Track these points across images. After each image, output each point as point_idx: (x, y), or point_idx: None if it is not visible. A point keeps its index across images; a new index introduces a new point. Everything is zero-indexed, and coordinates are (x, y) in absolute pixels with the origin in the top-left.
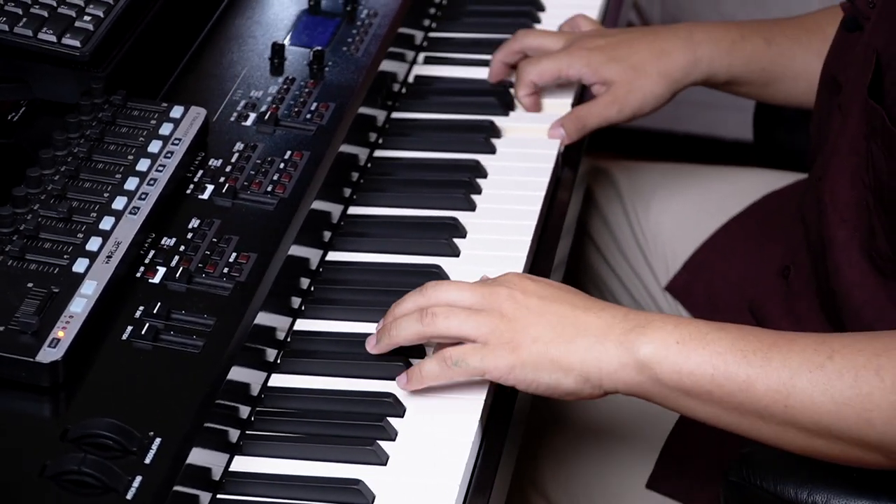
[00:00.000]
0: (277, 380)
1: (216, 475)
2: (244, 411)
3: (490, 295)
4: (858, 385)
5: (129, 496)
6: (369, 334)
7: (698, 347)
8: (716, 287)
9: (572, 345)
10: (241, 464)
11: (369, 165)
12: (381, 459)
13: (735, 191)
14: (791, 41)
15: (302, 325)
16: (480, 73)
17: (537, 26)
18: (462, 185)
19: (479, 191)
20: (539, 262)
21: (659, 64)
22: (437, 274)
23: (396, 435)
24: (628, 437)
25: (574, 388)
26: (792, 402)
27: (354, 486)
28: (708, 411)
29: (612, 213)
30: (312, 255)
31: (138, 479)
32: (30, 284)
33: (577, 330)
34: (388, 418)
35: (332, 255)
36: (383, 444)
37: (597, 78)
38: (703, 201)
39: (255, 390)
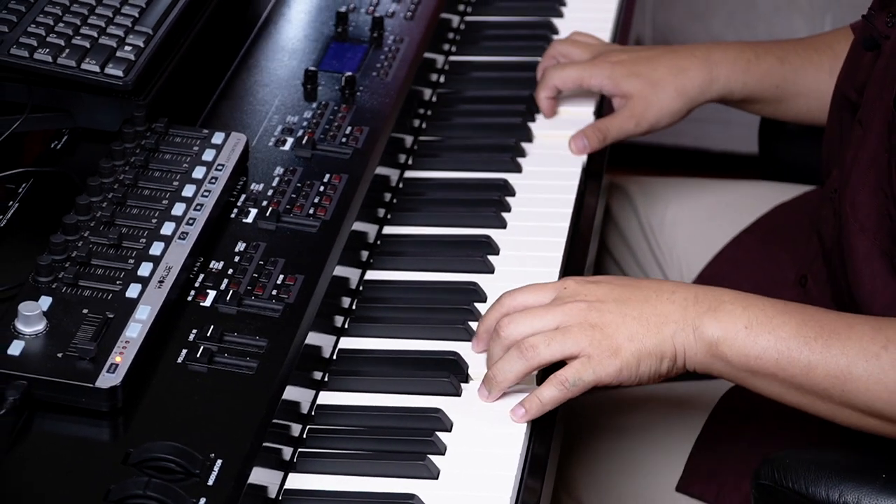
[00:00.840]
0: (326, 398)
1: (272, 493)
2: (295, 429)
3: (571, 310)
4: None
5: None
6: (412, 351)
7: (764, 332)
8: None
9: (661, 334)
10: (297, 481)
11: (401, 186)
12: (433, 473)
13: (744, 203)
14: (803, 60)
15: (346, 343)
16: (501, 92)
17: None
18: (492, 203)
19: (508, 209)
20: (569, 275)
21: (677, 81)
22: (475, 291)
23: (446, 449)
24: (658, 441)
25: (666, 371)
26: (849, 388)
27: (410, 500)
28: (771, 389)
29: (629, 226)
30: (353, 274)
31: (203, 501)
32: (85, 310)
33: (659, 319)
34: (437, 433)
35: (371, 274)
36: (434, 458)
37: (617, 90)
38: (714, 213)
39: (304, 408)
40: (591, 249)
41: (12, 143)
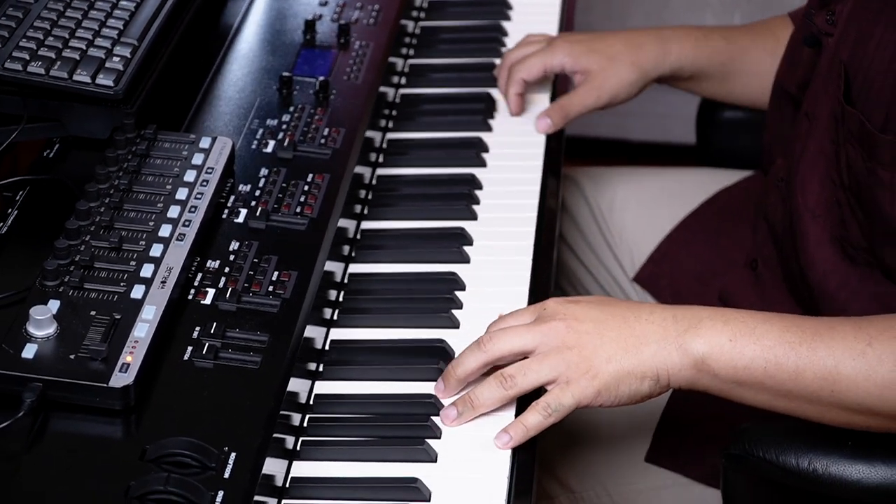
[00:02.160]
0: (322, 387)
1: (279, 482)
2: (296, 419)
3: (549, 332)
4: None
5: None
6: (401, 340)
7: (749, 343)
8: (679, 277)
9: (640, 355)
10: (302, 469)
11: (374, 183)
12: (431, 457)
13: (687, 188)
14: (748, 40)
15: (337, 333)
16: (459, 90)
17: (503, 50)
18: (462, 197)
19: (477, 201)
20: (540, 263)
21: (632, 55)
22: (454, 280)
23: (441, 433)
24: (627, 415)
25: (648, 392)
26: (838, 388)
27: (413, 484)
28: (758, 398)
29: (580, 214)
30: (337, 268)
31: (220, 493)
32: (92, 312)
33: (638, 340)
34: (433, 417)
35: (355, 268)
36: (431, 441)
37: (577, 66)
38: (659, 198)
39: (302, 398)
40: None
41: (5, 153)
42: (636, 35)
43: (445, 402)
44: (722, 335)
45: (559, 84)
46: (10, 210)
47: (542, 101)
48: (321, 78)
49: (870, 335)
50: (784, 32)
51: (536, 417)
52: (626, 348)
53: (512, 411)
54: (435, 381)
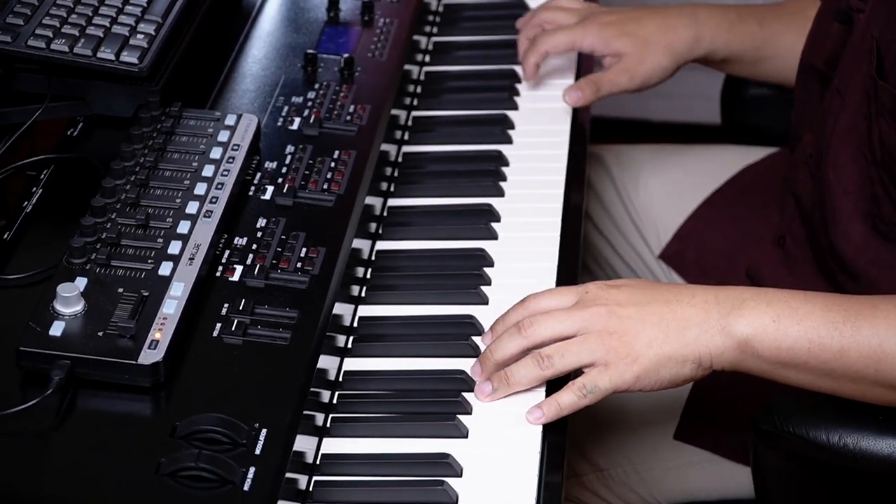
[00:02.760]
0: (351, 364)
1: (309, 458)
2: (325, 395)
3: (591, 317)
4: None
5: (245, 487)
6: (429, 316)
7: (793, 323)
8: (705, 254)
9: (682, 339)
10: (332, 446)
11: (400, 160)
12: (463, 433)
13: (713, 165)
14: (780, 23)
15: (365, 310)
16: (484, 68)
17: None
18: (489, 173)
19: (504, 178)
20: (568, 239)
21: (666, 38)
22: (483, 257)
23: (472, 409)
24: (655, 393)
25: (690, 375)
26: (883, 366)
27: (444, 460)
28: (802, 378)
29: (605, 192)
30: (365, 245)
31: (252, 469)
32: (120, 290)
33: (680, 323)
34: (463, 393)
35: (382, 245)
36: (462, 417)
37: (608, 50)
38: (685, 176)
39: (331, 375)
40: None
41: (28, 132)
42: (669, 16)
43: (478, 379)
44: (765, 316)
45: (584, 61)
46: (34, 189)
47: (567, 77)
48: (346, 55)
49: None
50: (814, 11)
51: (571, 397)
52: (668, 332)
53: (542, 389)
54: (465, 357)
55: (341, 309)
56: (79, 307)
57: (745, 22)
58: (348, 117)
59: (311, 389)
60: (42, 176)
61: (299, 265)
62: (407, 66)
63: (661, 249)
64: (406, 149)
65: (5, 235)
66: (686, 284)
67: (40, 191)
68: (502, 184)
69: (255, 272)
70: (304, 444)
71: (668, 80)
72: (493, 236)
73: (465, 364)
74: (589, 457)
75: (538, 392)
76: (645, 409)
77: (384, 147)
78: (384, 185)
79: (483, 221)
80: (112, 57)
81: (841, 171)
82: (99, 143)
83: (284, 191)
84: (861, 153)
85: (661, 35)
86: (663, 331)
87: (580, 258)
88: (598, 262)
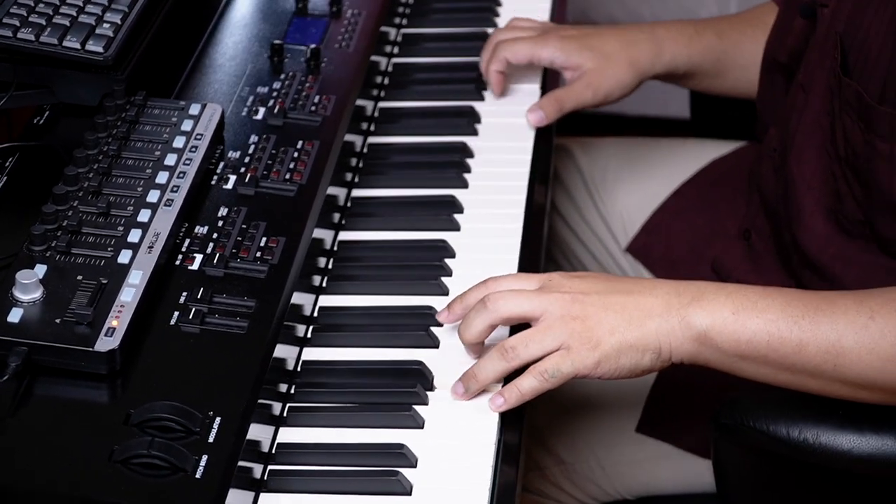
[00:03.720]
0: (310, 353)
1: (265, 447)
2: (283, 385)
3: (555, 302)
4: None
5: (197, 475)
6: (390, 307)
7: (752, 316)
8: (672, 247)
9: (643, 328)
10: (288, 435)
11: (366, 151)
12: (419, 423)
13: (681, 159)
14: (739, 34)
15: (326, 300)
16: (452, 59)
17: (497, 20)
18: (453, 165)
19: (468, 169)
20: (530, 231)
21: (628, 54)
22: (444, 248)
23: (429, 400)
24: (617, 386)
25: (649, 365)
26: (841, 362)
27: (399, 450)
28: (761, 372)
29: (573, 184)
30: (327, 235)
31: (205, 457)
32: (79, 277)
33: (642, 313)
34: (419, 385)
35: (344, 235)
36: (419, 408)
37: (568, 62)
38: (653, 169)
39: (290, 365)
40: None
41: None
42: (629, 32)
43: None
44: (724, 308)
45: (549, 75)
46: None
47: (532, 90)
48: (312, 46)
49: (871, 309)
50: (772, 18)
51: (532, 382)
52: (630, 321)
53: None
54: (423, 347)
55: (302, 299)
56: (37, 294)
57: (704, 35)
58: (313, 108)
59: (269, 379)
60: (7, 164)
61: (259, 254)
62: (375, 58)
63: (628, 242)
64: (371, 140)
65: None
66: (648, 278)
67: (5, 178)
68: (467, 175)
69: (215, 261)
70: (260, 433)
71: None
72: (455, 227)
73: (423, 354)
74: (552, 450)
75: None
76: (608, 402)
77: (350, 138)
78: (349, 176)
79: (446, 213)
80: (78, 46)
81: (805, 167)
82: (65, 131)
83: (246, 180)
84: (825, 149)
85: (623, 50)
86: (625, 319)
87: (542, 251)
88: (566, 255)
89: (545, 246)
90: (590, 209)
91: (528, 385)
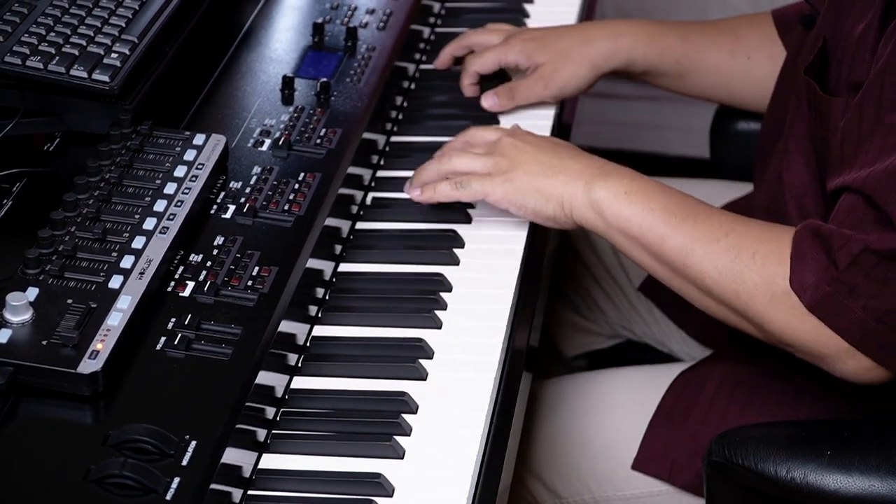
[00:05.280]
0: (299, 382)
1: (246, 472)
2: (270, 412)
3: (497, 143)
4: (736, 262)
5: (168, 497)
6: (381, 338)
7: (639, 201)
8: None
9: (553, 179)
10: (270, 461)
11: (373, 184)
12: (399, 454)
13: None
14: (705, 39)
15: (319, 331)
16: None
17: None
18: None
19: (473, 205)
20: (531, 265)
21: (582, 49)
22: (441, 281)
23: (411, 430)
24: (615, 423)
25: (552, 214)
26: (689, 263)
27: (376, 479)
28: (636, 253)
29: None
30: (326, 266)
31: (176, 480)
32: (69, 301)
33: (558, 169)
34: (403, 415)
35: (344, 267)
36: (400, 439)
37: (530, 63)
38: None
39: (279, 392)
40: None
41: (8, 146)
42: (588, 29)
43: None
44: (620, 187)
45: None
46: (4, 201)
47: (546, 116)
48: (323, 79)
49: (731, 228)
50: (750, 32)
51: (446, 187)
52: (545, 171)
53: (486, 392)
54: (410, 379)
55: (295, 328)
56: (27, 316)
57: (666, 35)
58: (318, 140)
59: (256, 405)
60: (14, 189)
61: (250, 283)
62: (391, 93)
63: (640, 281)
64: (381, 173)
65: None
66: (588, 153)
67: (10, 203)
68: (471, 210)
69: (206, 289)
70: (241, 458)
71: (661, 113)
72: (454, 262)
73: (409, 386)
74: (547, 483)
75: (477, 414)
76: (604, 437)
77: (358, 171)
78: (354, 209)
79: (445, 247)
80: (84, 75)
81: (792, 174)
82: (74, 158)
83: (245, 210)
84: (809, 155)
85: (578, 46)
86: (543, 169)
87: (540, 286)
88: (578, 291)
89: (547, 281)
90: (604, 246)
91: (442, 188)
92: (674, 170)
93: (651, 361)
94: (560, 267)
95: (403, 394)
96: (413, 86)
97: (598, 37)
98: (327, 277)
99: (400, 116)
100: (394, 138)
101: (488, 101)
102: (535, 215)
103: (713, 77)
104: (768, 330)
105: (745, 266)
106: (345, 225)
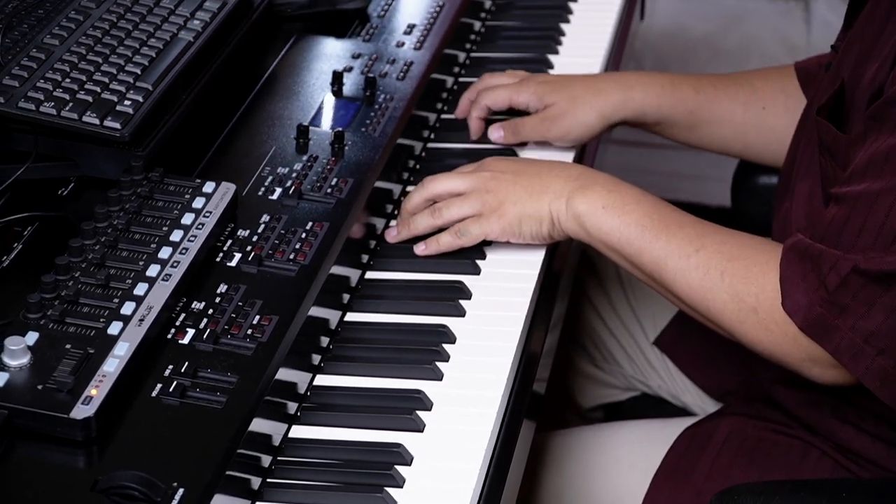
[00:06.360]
0: (297, 431)
1: None
2: (266, 460)
3: (477, 179)
4: (705, 280)
5: None
6: (380, 389)
7: (615, 215)
8: (700, 344)
9: (540, 201)
10: None
11: (383, 234)
12: None
13: None
14: (718, 90)
15: (321, 380)
16: (486, 146)
17: None
18: (468, 250)
19: (483, 256)
20: (537, 321)
21: (593, 98)
22: (444, 333)
23: (404, 482)
24: (620, 477)
25: (548, 233)
26: (664, 277)
27: None
28: (619, 262)
29: (607, 274)
30: (332, 315)
31: None
32: (68, 346)
33: (542, 189)
34: (397, 466)
35: (351, 316)
36: (391, 490)
37: (541, 104)
38: None
39: (276, 441)
40: (565, 294)
41: (23, 190)
42: (601, 81)
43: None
44: (598, 202)
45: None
46: (14, 244)
47: (565, 158)
48: (337, 129)
49: (703, 244)
50: (765, 84)
51: (448, 237)
52: (531, 195)
53: (480, 452)
54: (407, 431)
55: (296, 377)
56: (24, 360)
57: (679, 87)
58: (329, 190)
59: (251, 454)
60: (25, 232)
61: (249, 332)
62: (409, 142)
63: (656, 335)
64: (394, 222)
65: None
66: (563, 162)
67: (20, 246)
68: (480, 262)
69: (206, 336)
70: None
71: (682, 161)
72: (459, 313)
73: (405, 438)
74: None
75: (472, 472)
76: (609, 492)
77: (371, 220)
78: (365, 258)
79: (452, 298)
80: (96, 121)
81: (796, 209)
82: (87, 203)
83: (250, 258)
84: (813, 192)
85: (590, 95)
86: (528, 193)
87: (546, 338)
88: (594, 342)
89: (555, 333)
90: (621, 300)
91: (444, 239)
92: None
93: (666, 415)
94: (576, 317)
95: (399, 445)
96: (433, 135)
97: (609, 88)
98: (333, 326)
99: (418, 166)
100: (410, 188)
101: (494, 134)
102: (534, 238)
103: (727, 128)
104: (741, 342)
105: (714, 283)
106: (354, 274)
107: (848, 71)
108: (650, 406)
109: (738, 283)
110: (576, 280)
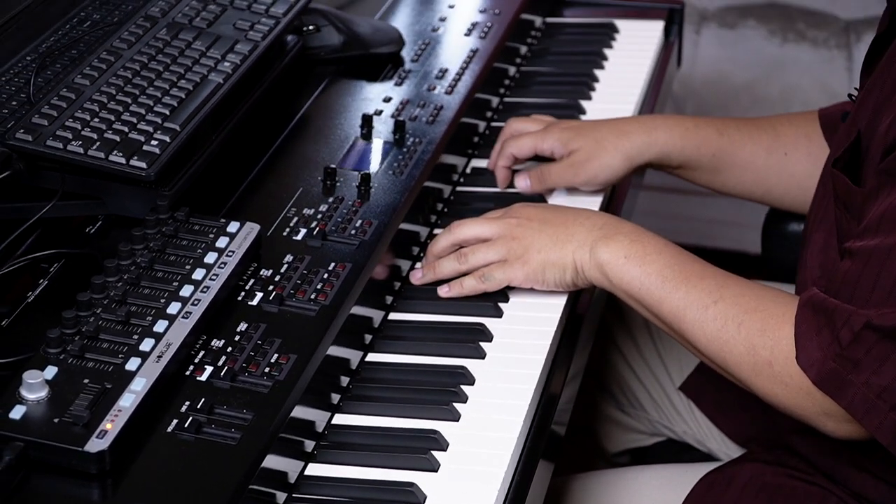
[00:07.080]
0: (313, 468)
1: None
2: (280, 497)
3: (504, 225)
4: (722, 332)
5: None
6: (394, 428)
7: (637, 265)
8: (725, 390)
9: (564, 250)
10: None
11: (407, 276)
12: None
13: None
14: (742, 134)
15: (339, 419)
16: (514, 191)
17: None
18: (491, 293)
19: (506, 299)
20: (558, 364)
21: (618, 141)
22: (463, 374)
23: None
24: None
25: (571, 281)
26: (683, 328)
27: None
28: (640, 311)
29: (634, 320)
30: (353, 355)
31: None
32: (86, 381)
33: (567, 238)
34: None
35: (372, 356)
36: None
37: (565, 150)
38: None
39: (291, 478)
40: (590, 339)
41: (51, 227)
42: (625, 124)
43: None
44: (620, 251)
45: (616, 192)
46: (41, 280)
47: (593, 203)
48: (364, 171)
49: (721, 295)
50: (789, 129)
51: (472, 281)
52: (555, 243)
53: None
54: (422, 470)
55: (314, 415)
56: (42, 394)
57: (702, 130)
58: (353, 231)
59: (266, 490)
60: (51, 269)
61: (267, 370)
62: (438, 185)
63: (682, 380)
64: (419, 265)
65: (3, 322)
66: (591, 210)
67: (45, 283)
68: (502, 305)
69: (223, 374)
70: None
71: (712, 208)
72: (480, 356)
73: (419, 477)
74: None
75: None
76: None
77: (396, 262)
78: (389, 299)
79: (472, 340)
80: (123, 161)
81: (812, 259)
82: (113, 240)
83: (271, 298)
84: (830, 242)
85: (614, 138)
86: (553, 242)
87: (566, 381)
88: (621, 387)
89: (577, 377)
90: (648, 346)
91: (468, 283)
92: (724, 265)
93: (690, 460)
94: (603, 363)
95: (412, 484)
96: (462, 179)
97: (633, 130)
98: (354, 366)
99: (446, 209)
100: (437, 231)
101: (521, 184)
102: (558, 286)
103: (749, 172)
104: (757, 394)
105: (731, 336)
106: (377, 314)
107: (864, 121)
108: (676, 451)
109: (754, 336)
110: (604, 326)
